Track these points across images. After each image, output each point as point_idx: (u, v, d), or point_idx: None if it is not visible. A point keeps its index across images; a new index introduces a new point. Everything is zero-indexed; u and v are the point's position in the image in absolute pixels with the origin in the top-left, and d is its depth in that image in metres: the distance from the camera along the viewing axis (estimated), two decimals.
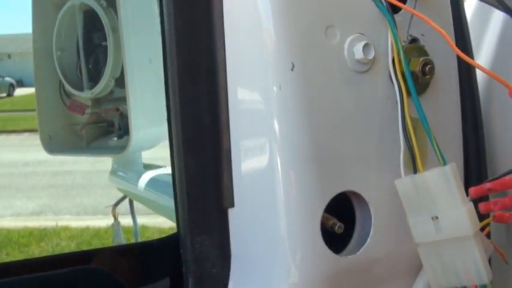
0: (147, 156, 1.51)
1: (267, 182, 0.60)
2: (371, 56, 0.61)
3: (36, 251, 3.93)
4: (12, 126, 10.02)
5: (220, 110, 0.61)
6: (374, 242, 0.61)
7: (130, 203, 1.54)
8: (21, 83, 21.57)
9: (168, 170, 1.35)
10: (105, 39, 1.35)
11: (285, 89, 0.57)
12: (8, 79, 20.51)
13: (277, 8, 0.58)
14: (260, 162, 0.61)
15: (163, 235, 0.73)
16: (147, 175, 1.35)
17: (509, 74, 0.73)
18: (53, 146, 1.55)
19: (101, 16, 1.33)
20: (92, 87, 1.49)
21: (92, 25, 1.40)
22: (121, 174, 1.53)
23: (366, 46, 0.60)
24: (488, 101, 0.79)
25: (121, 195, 1.57)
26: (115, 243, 1.59)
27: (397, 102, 0.62)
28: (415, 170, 0.60)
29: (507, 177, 0.60)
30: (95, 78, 1.50)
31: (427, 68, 0.62)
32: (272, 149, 0.59)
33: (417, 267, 0.65)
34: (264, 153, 0.60)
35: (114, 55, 1.38)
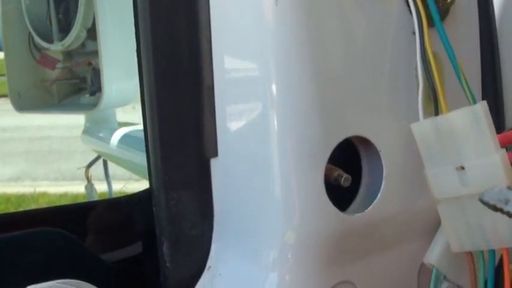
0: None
1: (258, 126, 0.49)
2: None
3: None
4: None
5: (201, 36, 0.50)
6: (385, 198, 0.51)
7: (104, 163, 1.43)
8: None
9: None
10: None
11: (283, 3, 0.45)
12: None
13: None
14: (250, 101, 0.50)
15: None
16: (120, 132, 1.24)
17: None
18: (22, 103, 1.46)
19: None
20: (62, 38, 1.40)
21: None
22: (94, 133, 1.43)
23: None
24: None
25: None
26: None
27: (413, 32, 0.51)
28: (436, 111, 0.50)
29: None
30: (65, 28, 1.40)
31: None
32: (266, 85, 0.48)
33: (435, 228, 0.56)
34: (256, 91, 0.49)
35: (85, 3, 1.27)
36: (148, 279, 0.62)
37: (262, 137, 0.49)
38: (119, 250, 0.64)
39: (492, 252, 0.51)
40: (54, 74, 1.49)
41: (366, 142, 0.51)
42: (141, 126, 1.30)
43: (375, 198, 0.51)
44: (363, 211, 0.50)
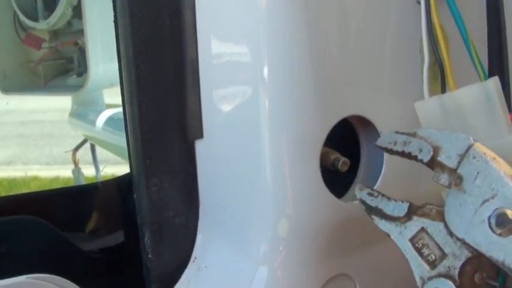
0: None
1: (247, 105, 0.45)
2: None
3: None
4: None
5: (184, 5, 0.45)
6: (386, 184, 0.47)
7: (92, 147, 1.39)
8: None
9: None
10: None
11: None
12: None
13: None
14: (238, 77, 0.45)
15: None
16: (105, 114, 1.19)
17: None
18: (8, 84, 1.43)
19: None
20: (47, 16, 1.35)
21: None
22: (80, 115, 1.38)
23: None
24: None
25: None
26: None
27: (417, 1, 0.47)
28: (443, 88, 0.45)
29: None
30: (50, 6, 1.35)
31: None
32: (256, 59, 0.43)
33: None
34: (245, 65, 0.44)
35: None
36: (131, 270, 0.57)
37: (252, 118, 0.44)
38: (99, 239, 0.60)
39: None
40: (40, 54, 1.45)
41: (365, 123, 0.47)
42: None
43: (374, 183, 0.47)
44: None
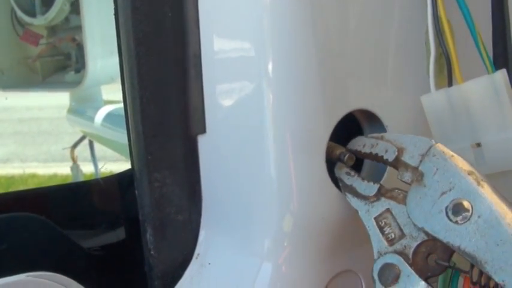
0: None
1: (251, 99, 0.44)
2: None
3: None
4: None
5: None
6: (392, 177, 0.46)
7: (90, 143, 1.38)
8: None
9: None
10: None
11: None
12: None
13: None
14: (242, 71, 0.44)
15: None
16: (104, 110, 1.18)
17: None
18: (5, 81, 1.42)
19: None
20: (45, 12, 1.34)
21: None
22: (78, 112, 1.37)
23: None
24: None
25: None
26: None
27: None
28: (450, 82, 0.44)
29: None
30: (48, 2, 1.34)
31: None
32: (260, 53, 0.43)
33: None
34: (248, 60, 0.43)
35: None
36: (132, 267, 0.57)
37: (256, 112, 0.43)
38: (100, 236, 0.59)
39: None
40: (37, 50, 1.44)
41: (371, 117, 0.46)
42: None
43: (380, 178, 0.46)
44: None
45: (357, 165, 0.48)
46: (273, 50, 0.42)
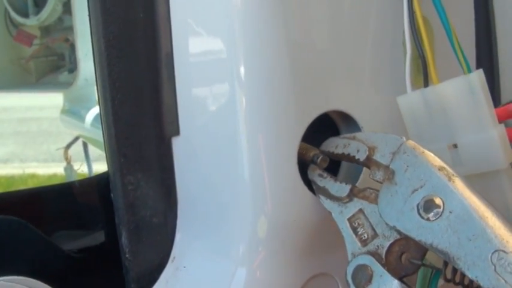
0: None
1: (224, 101, 0.43)
2: None
3: None
4: None
5: None
6: (368, 179, 0.45)
7: (84, 144, 1.37)
8: None
9: None
10: None
11: None
12: None
13: None
14: (214, 73, 0.43)
15: None
16: (94, 111, 1.17)
17: None
18: None
19: None
20: (37, 12, 1.34)
21: None
22: (71, 112, 1.37)
23: None
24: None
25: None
26: None
27: None
28: (426, 82, 0.44)
29: None
30: (41, 2, 1.34)
31: None
32: (231, 55, 0.42)
33: None
34: (220, 61, 0.43)
35: None
36: (112, 270, 0.56)
37: (229, 114, 0.43)
38: (79, 239, 0.58)
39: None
40: (31, 51, 1.44)
41: (346, 118, 0.45)
42: None
43: (356, 181, 0.45)
44: None
45: (335, 167, 0.47)
46: (245, 51, 0.41)
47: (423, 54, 0.43)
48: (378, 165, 0.39)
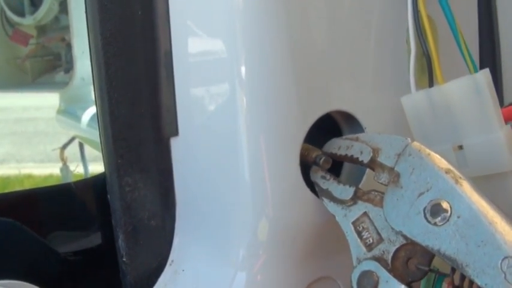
0: None
1: (224, 101, 0.42)
2: None
3: None
4: None
5: None
6: (371, 181, 0.44)
7: (80, 144, 1.36)
8: None
9: None
10: None
11: None
12: None
13: None
14: (214, 73, 0.42)
15: None
16: (90, 111, 1.16)
17: None
18: None
19: None
20: (34, 12, 1.32)
21: None
22: (67, 113, 1.35)
23: None
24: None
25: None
26: None
27: None
28: (430, 82, 0.43)
29: None
30: (37, 1, 1.33)
31: None
32: (232, 55, 0.41)
33: None
34: (221, 61, 0.42)
35: None
36: (108, 273, 0.55)
37: (230, 114, 0.42)
38: (76, 241, 0.57)
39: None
40: (27, 50, 1.43)
41: (349, 118, 0.44)
42: None
43: (358, 182, 0.44)
44: None
45: (337, 168, 0.46)
46: (246, 51, 0.40)
47: (428, 52, 0.42)
48: (383, 167, 0.38)
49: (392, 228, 0.37)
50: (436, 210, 0.35)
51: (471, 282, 0.34)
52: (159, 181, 0.46)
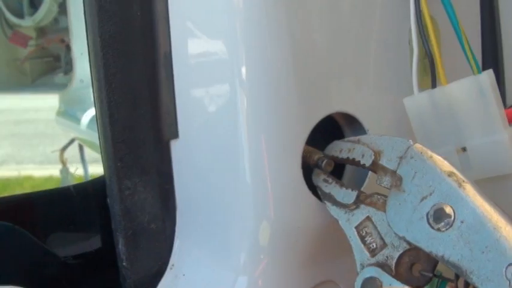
0: None
1: (225, 103, 0.42)
2: None
3: None
4: None
5: None
6: (373, 183, 0.44)
7: (80, 146, 1.36)
8: None
9: None
10: None
11: None
12: None
13: None
14: (215, 74, 0.42)
15: None
16: (90, 113, 1.16)
17: None
18: None
19: None
20: (33, 13, 1.33)
21: None
22: (67, 114, 1.35)
23: None
24: None
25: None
26: None
27: None
28: (433, 83, 0.42)
29: None
30: (36, 3, 1.33)
31: None
32: (233, 56, 0.40)
33: None
34: (221, 62, 0.41)
35: None
36: (108, 277, 0.54)
37: (230, 116, 0.41)
38: (75, 245, 0.56)
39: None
40: (26, 52, 1.43)
41: (351, 120, 0.44)
42: None
43: (361, 185, 0.44)
44: None
45: (340, 169, 0.46)
46: (247, 51, 0.40)
47: (431, 53, 0.42)
48: (385, 170, 0.37)
49: (396, 234, 0.36)
50: (439, 215, 0.34)
51: None
52: (159, 184, 0.45)
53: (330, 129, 0.45)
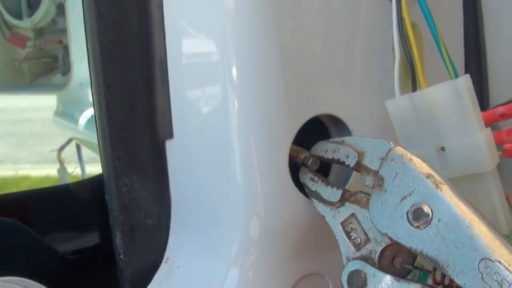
0: None
1: (216, 104, 0.44)
2: None
3: None
4: None
5: (152, 3, 0.44)
6: (358, 182, 0.46)
7: (77, 146, 1.38)
8: None
9: None
10: None
11: None
12: None
13: None
14: (207, 76, 0.44)
15: None
16: (88, 113, 1.18)
17: None
18: None
19: None
20: (31, 14, 1.35)
21: None
22: (65, 114, 1.37)
23: None
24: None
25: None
26: None
27: None
28: (414, 87, 0.45)
29: None
30: (34, 4, 1.35)
31: None
32: (224, 58, 0.43)
33: None
34: (213, 64, 0.44)
35: None
36: (107, 272, 0.57)
37: (222, 117, 0.44)
38: (74, 240, 0.59)
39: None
40: (24, 53, 1.45)
41: (336, 121, 0.46)
42: None
43: (346, 183, 0.46)
44: None
45: (326, 167, 0.48)
46: (237, 54, 0.42)
47: (411, 59, 0.44)
48: (368, 170, 0.40)
49: (378, 230, 0.39)
50: (418, 214, 0.37)
51: (451, 280, 0.36)
52: (155, 182, 0.48)
53: (316, 129, 0.47)
